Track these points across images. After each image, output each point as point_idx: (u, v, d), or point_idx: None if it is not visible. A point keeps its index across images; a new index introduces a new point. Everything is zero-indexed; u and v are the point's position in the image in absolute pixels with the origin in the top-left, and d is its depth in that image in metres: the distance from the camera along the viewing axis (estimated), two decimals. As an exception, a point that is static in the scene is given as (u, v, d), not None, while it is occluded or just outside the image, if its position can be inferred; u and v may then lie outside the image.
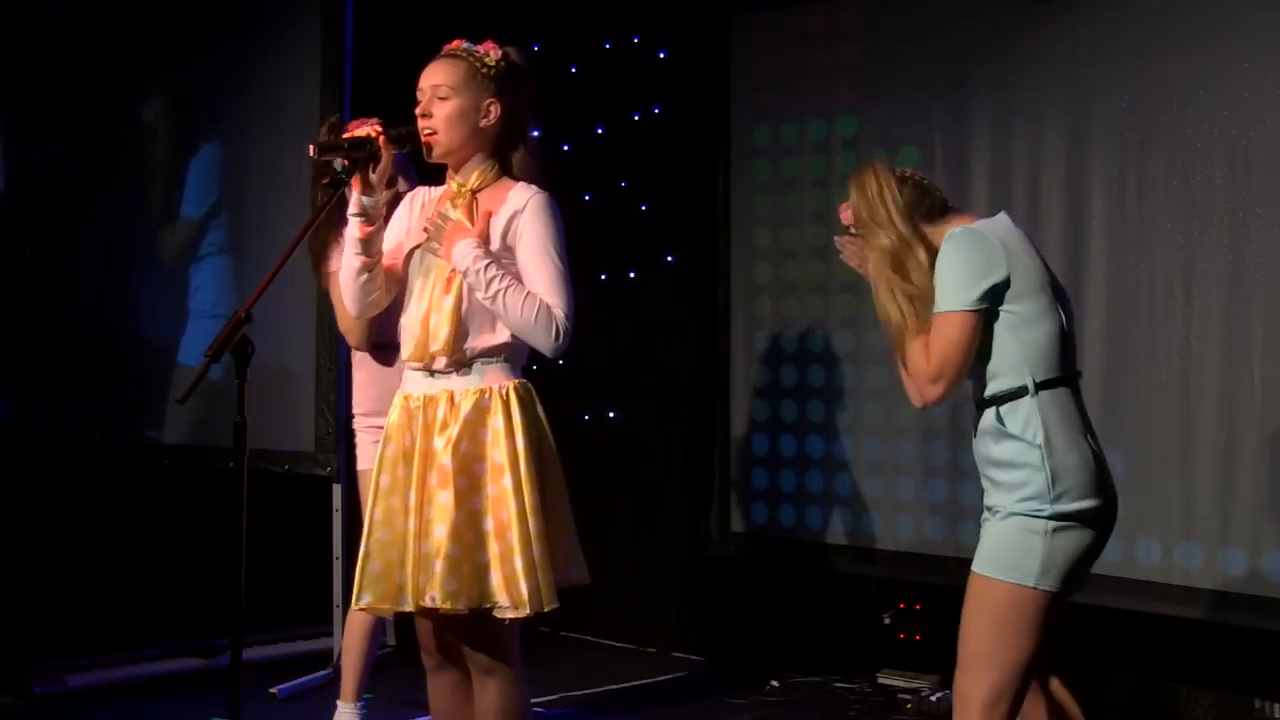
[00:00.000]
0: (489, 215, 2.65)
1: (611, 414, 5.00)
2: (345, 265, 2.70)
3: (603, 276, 4.99)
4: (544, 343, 2.61)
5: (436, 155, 2.67)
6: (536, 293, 2.61)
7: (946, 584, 4.11)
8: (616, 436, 4.99)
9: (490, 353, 2.63)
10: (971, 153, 4.03)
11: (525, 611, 2.54)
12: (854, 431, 4.33)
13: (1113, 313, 3.72)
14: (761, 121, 4.55)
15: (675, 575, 4.84)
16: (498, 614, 2.57)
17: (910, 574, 4.18)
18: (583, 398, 4.96)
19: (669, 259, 4.84)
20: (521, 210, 2.63)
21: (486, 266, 2.58)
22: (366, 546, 2.66)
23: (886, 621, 4.25)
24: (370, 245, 2.66)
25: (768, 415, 4.54)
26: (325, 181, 3.38)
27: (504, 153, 2.70)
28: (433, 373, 2.65)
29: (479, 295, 2.59)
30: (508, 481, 2.56)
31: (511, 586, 2.54)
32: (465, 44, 2.70)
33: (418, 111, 2.66)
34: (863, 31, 4.33)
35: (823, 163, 4.41)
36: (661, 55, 4.83)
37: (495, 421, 2.59)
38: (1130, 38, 3.71)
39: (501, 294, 2.57)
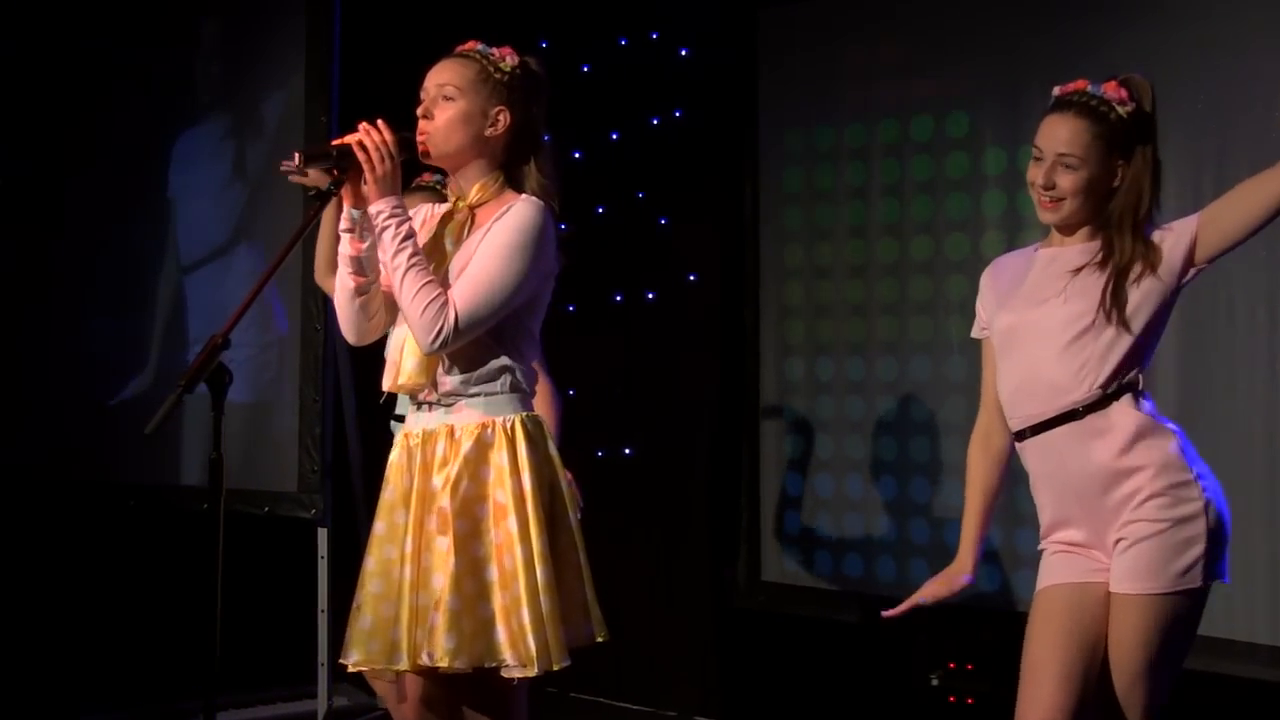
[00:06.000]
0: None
1: (627, 450, 4.98)
2: (338, 285, 2.69)
3: (618, 297, 4.98)
4: (421, 340, 2.57)
5: (432, 158, 2.67)
6: (449, 284, 2.58)
7: (1001, 642, 4.08)
8: (633, 475, 4.96)
9: (487, 379, 2.61)
10: (1025, 157, 3.99)
11: (533, 671, 2.52)
12: (898, 470, 4.30)
13: (1188, 339, 3.68)
14: (793, 125, 4.54)
15: (698, 630, 4.81)
16: (505, 673, 2.55)
17: (961, 630, 4.15)
18: (596, 432, 4.94)
19: (691, 278, 4.83)
20: (501, 216, 2.62)
21: (402, 231, 2.56)
22: (358, 599, 2.65)
23: (934, 683, 4.22)
24: (366, 263, 2.65)
25: (801, 452, 4.52)
26: (311, 194, 3.38)
27: (511, 168, 2.69)
28: (420, 404, 2.65)
29: (382, 256, 2.59)
30: (513, 524, 2.54)
31: (518, 642, 2.52)
32: (480, 45, 2.70)
33: (419, 112, 2.66)
34: (905, 26, 4.32)
35: (861, 171, 4.40)
36: (683, 53, 4.83)
37: (499, 458, 2.57)
38: (1207, 31, 3.68)
39: (404, 267, 2.55)
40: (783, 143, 4.57)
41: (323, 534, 4.45)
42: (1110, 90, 2.66)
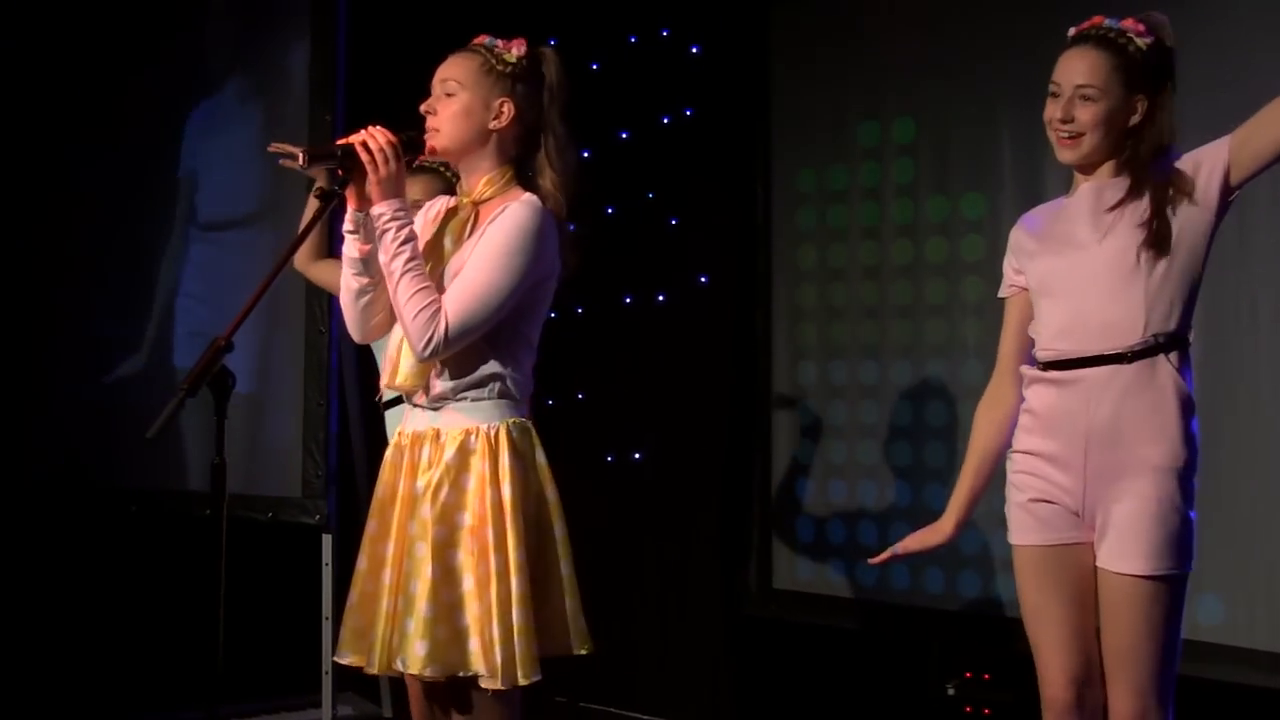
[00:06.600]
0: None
1: (637, 455, 4.97)
2: (343, 286, 2.71)
3: (627, 300, 4.97)
4: (414, 346, 2.58)
5: (439, 154, 2.69)
6: (445, 285, 2.58)
7: (1019, 651, 4.07)
8: (642, 480, 4.96)
9: (476, 385, 2.62)
10: (1047, 159, 3.99)
11: (498, 684, 2.54)
12: (912, 476, 4.29)
13: (1209, 343, 3.67)
14: (806, 125, 4.54)
15: (709, 638, 4.80)
16: (482, 683, 2.57)
17: (977, 638, 4.14)
18: (605, 436, 4.94)
19: (702, 280, 4.83)
20: (496, 218, 2.62)
21: (402, 235, 2.56)
22: (351, 598, 2.69)
23: (950, 692, 4.21)
24: (369, 265, 2.66)
25: (814, 457, 4.51)
26: (316, 193, 3.39)
27: (521, 162, 2.69)
28: (414, 405, 2.67)
29: (381, 258, 2.59)
30: (488, 534, 2.56)
31: (487, 654, 2.54)
32: (488, 39, 2.71)
33: (422, 108, 2.67)
34: (921, 22, 4.31)
35: (876, 171, 4.39)
36: (694, 50, 4.83)
37: (480, 466, 2.59)
38: (1231, 28, 3.67)
39: (400, 272, 2.55)
40: (795, 142, 4.57)
41: (327, 540, 4.45)
42: (1128, 24, 2.66)
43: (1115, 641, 2.63)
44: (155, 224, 5.06)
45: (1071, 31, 2.72)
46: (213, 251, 4.93)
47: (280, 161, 3.49)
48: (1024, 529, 2.73)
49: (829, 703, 4.50)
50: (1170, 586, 2.59)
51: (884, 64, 4.38)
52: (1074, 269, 2.66)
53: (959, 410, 4.18)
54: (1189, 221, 2.62)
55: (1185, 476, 2.62)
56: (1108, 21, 2.67)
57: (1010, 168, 4.09)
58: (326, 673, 4.43)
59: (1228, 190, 2.63)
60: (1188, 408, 2.64)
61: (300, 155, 2.71)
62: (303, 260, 3.71)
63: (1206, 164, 2.62)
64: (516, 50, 2.69)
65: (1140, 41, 2.64)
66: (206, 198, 4.96)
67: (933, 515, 4.22)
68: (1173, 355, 2.63)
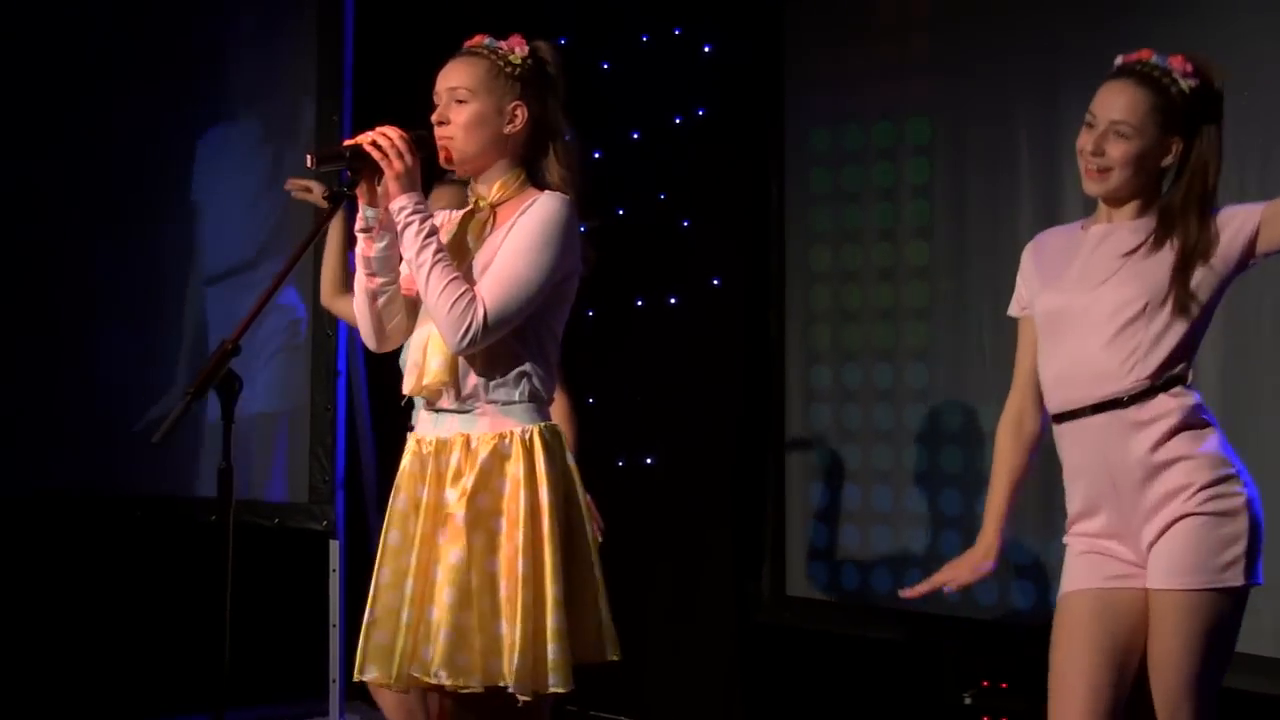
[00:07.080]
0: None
1: (649, 459, 4.97)
2: (356, 289, 2.70)
3: (639, 302, 4.97)
4: (449, 338, 2.56)
5: (455, 163, 2.68)
6: (475, 280, 2.57)
7: (1036, 658, 4.06)
8: (653, 485, 4.95)
9: (505, 387, 2.61)
10: (1064, 158, 3.98)
11: (526, 693, 2.52)
12: (927, 481, 4.28)
13: (1230, 345, 3.66)
14: (820, 124, 4.53)
15: (721, 646, 4.79)
16: (512, 691, 2.54)
17: (994, 647, 4.12)
18: (616, 440, 4.93)
19: (714, 282, 4.82)
20: (525, 211, 2.62)
21: (426, 228, 2.56)
22: (372, 613, 2.64)
23: (967, 702, 4.20)
24: (384, 264, 2.65)
25: (827, 462, 4.50)
26: (325, 195, 3.40)
27: (532, 162, 2.69)
28: (438, 410, 2.64)
29: (405, 253, 2.57)
30: (520, 538, 2.54)
31: (510, 660, 2.51)
32: (488, 40, 2.70)
33: (434, 118, 2.67)
34: (936, 20, 4.31)
35: (890, 171, 4.38)
36: (706, 49, 4.82)
37: (515, 470, 2.57)
38: (1253, 24, 3.66)
39: (429, 263, 2.54)
40: (809, 142, 4.56)
41: (334, 546, 4.45)
42: (1176, 63, 2.62)
43: (1150, 654, 2.62)
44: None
45: (1118, 60, 2.69)
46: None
47: (295, 195, 3.55)
48: (1072, 576, 2.70)
49: (843, 712, 4.49)
50: (1207, 602, 2.57)
51: (898, 63, 4.37)
52: (1076, 312, 2.66)
53: (974, 414, 4.17)
54: (1204, 281, 2.61)
55: (1221, 492, 2.60)
56: (1155, 57, 2.63)
57: (1027, 167, 4.08)
58: (334, 681, 4.44)
59: (1248, 256, 2.62)
60: (1195, 425, 2.63)
61: (309, 158, 2.71)
62: (329, 294, 3.73)
63: (1234, 226, 2.61)
64: (520, 50, 2.68)
65: (1184, 83, 2.61)
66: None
67: (946, 519, 4.23)
68: (1174, 388, 2.62)
